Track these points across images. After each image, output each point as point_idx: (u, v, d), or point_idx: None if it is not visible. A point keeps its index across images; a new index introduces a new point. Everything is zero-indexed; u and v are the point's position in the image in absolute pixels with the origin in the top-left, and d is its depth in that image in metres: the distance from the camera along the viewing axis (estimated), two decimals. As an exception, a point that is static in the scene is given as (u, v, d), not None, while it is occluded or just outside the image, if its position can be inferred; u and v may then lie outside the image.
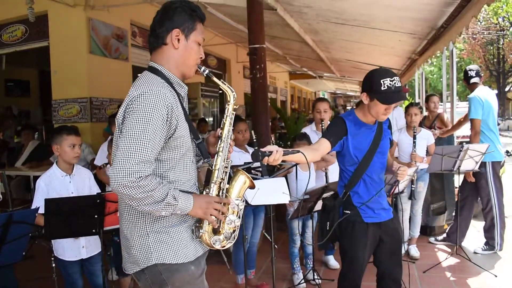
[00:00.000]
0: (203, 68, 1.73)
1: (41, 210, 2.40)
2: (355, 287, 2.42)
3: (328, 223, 2.40)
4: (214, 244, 1.67)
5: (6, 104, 9.81)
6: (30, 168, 5.56)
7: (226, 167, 1.71)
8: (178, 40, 1.64)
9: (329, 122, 3.78)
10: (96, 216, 2.52)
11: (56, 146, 2.74)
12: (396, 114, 4.70)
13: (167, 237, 1.60)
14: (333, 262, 4.09)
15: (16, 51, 6.62)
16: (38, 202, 2.54)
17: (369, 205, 2.35)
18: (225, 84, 1.76)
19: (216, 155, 1.71)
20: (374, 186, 2.37)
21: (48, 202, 2.39)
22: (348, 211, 2.36)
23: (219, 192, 1.69)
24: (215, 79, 1.76)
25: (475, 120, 4.05)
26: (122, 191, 1.44)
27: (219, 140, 1.73)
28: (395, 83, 2.16)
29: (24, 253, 2.39)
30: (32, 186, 5.20)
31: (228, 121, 1.74)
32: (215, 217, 1.63)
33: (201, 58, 1.73)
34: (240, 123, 3.61)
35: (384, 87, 2.16)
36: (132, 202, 1.49)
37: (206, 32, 8.84)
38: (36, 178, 5.00)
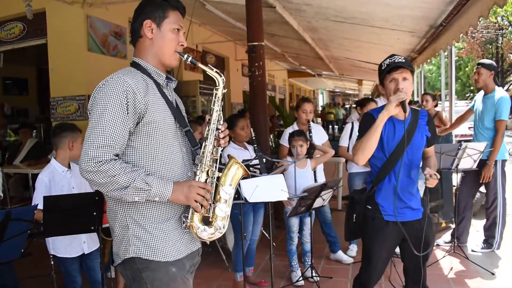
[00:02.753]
0: (186, 55, 1.71)
1: (41, 206, 2.41)
2: (368, 281, 2.44)
3: (354, 215, 2.49)
4: (201, 235, 1.64)
5: (4, 102, 9.80)
6: (29, 166, 5.56)
7: (214, 154, 1.68)
8: (151, 30, 1.67)
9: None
10: (94, 214, 2.52)
11: (72, 141, 2.80)
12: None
13: (146, 232, 1.59)
14: (346, 257, 4.13)
15: (14, 49, 6.60)
16: (39, 197, 2.54)
17: (392, 203, 2.31)
18: (212, 69, 1.72)
19: (204, 141, 1.68)
20: (400, 185, 2.32)
21: (47, 199, 2.39)
22: (369, 206, 2.41)
23: (206, 180, 1.65)
24: (200, 65, 1.73)
25: (504, 121, 3.98)
26: (85, 176, 1.47)
27: (207, 126, 1.69)
28: (394, 59, 2.26)
29: (22, 251, 2.39)
30: (30, 184, 5.20)
31: (216, 106, 1.70)
32: (199, 203, 1.59)
33: (182, 45, 1.73)
34: (242, 119, 3.65)
35: (384, 65, 2.28)
36: (98, 188, 1.51)
37: (205, 30, 8.84)
38: (34, 176, 5.01)
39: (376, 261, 2.39)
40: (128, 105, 1.52)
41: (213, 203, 1.65)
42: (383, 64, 2.29)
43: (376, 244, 2.37)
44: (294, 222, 3.70)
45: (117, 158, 1.49)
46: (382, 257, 2.39)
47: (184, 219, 1.64)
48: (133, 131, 1.56)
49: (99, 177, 1.45)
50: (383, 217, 2.34)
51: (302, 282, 3.65)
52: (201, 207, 1.61)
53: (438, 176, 2.25)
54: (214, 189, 1.66)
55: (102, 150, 1.46)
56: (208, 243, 1.77)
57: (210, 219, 1.65)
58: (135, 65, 1.69)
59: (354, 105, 14.12)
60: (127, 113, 1.52)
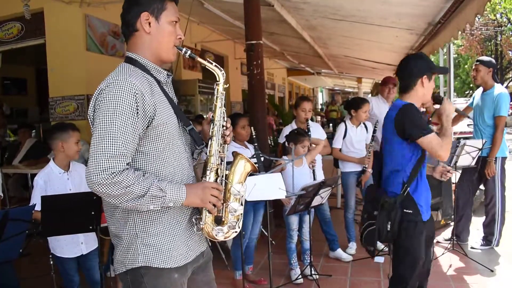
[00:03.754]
0: (184, 49, 1.63)
1: (38, 207, 2.41)
2: (411, 279, 2.34)
3: (389, 222, 2.24)
4: (216, 235, 1.59)
5: (3, 102, 9.78)
6: (28, 166, 5.56)
7: (221, 152, 1.62)
8: (149, 23, 1.56)
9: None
10: (92, 213, 2.52)
11: (61, 142, 2.76)
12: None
13: (157, 239, 1.53)
14: (346, 255, 4.14)
15: (13, 49, 6.59)
16: (36, 200, 2.55)
17: (427, 202, 2.31)
18: (211, 64, 1.66)
19: (209, 140, 1.62)
20: (426, 181, 2.32)
21: (45, 199, 2.39)
22: (409, 210, 2.25)
23: (216, 179, 1.60)
24: (199, 59, 1.65)
25: (504, 117, 3.98)
26: (97, 189, 1.36)
27: (212, 124, 1.63)
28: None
29: (21, 251, 2.40)
30: (30, 184, 5.21)
31: (219, 102, 1.64)
32: (215, 205, 1.54)
33: (180, 38, 1.63)
34: (242, 118, 3.64)
35: (430, 62, 2.32)
36: (111, 200, 1.40)
37: (203, 28, 8.82)
38: (33, 176, 5.00)
39: (420, 265, 2.32)
40: (138, 109, 1.43)
41: (224, 202, 1.60)
42: (429, 60, 2.31)
43: (422, 248, 2.29)
44: (294, 220, 3.70)
45: (129, 167, 1.41)
46: (424, 257, 2.35)
47: (195, 222, 1.59)
48: (142, 135, 1.48)
49: (113, 189, 1.35)
50: (422, 219, 2.28)
51: (301, 280, 3.65)
52: (215, 208, 1.56)
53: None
54: (223, 187, 1.61)
55: (116, 160, 1.36)
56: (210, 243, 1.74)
57: (223, 219, 1.60)
58: (130, 61, 1.58)
59: (341, 104, 13.99)
60: (137, 118, 1.43)
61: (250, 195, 2.78)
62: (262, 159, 3.25)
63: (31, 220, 2.37)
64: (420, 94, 2.30)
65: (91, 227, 2.56)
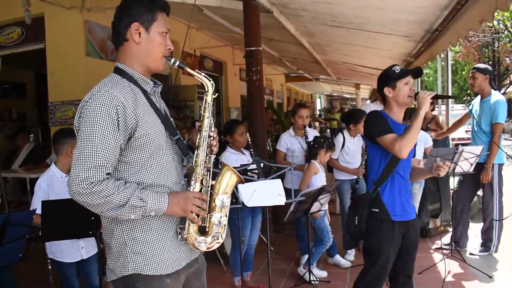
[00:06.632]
0: (173, 59, 1.64)
1: (39, 211, 2.41)
2: (375, 284, 2.45)
3: (356, 218, 2.45)
4: (199, 246, 1.60)
5: (2, 106, 9.78)
6: (27, 171, 5.56)
7: (207, 162, 1.63)
8: (139, 34, 1.58)
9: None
10: (92, 218, 2.52)
11: (71, 147, 2.78)
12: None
13: (146, 247, 1.54)
14: (344, 261, 4.15)
15: (13, 53, 6.60)
16: (38, 202, 2.55)
17: (398, 203, 2.40)
18: (200, 74, 1.67)
19: (196, 150, 1.62)
20: (403, 184, 2.42)
21: (45, 204, 2.39)
22: (376, 209, 2.40)
23: (201, 189, 1.61)
24: (188, 69, 1.67)
25: (501, 124, 4.02)
26: (77, 198, 1.40)
27: (199, 134, 1.64)
28: (402, 67, 2.46)
29: (21, 255, 2.40)
30: (28, 189, 5.20)
31: (207, 112, 1.65)
32: (196, 214, 1.55)
33: (169, 49, 1.65)
34: (241, 125, 3.66)
35: (398, 70, 2.41)
36: (92, 209, 1.44)
37: (203, 34, 8.86)
38: (32, 180, 5.01)
39: (385, 264, 2.42)
40: (119, 121, 1.45)
41: (209, 212, 1.61)
42: (396, 68, 2.42)
43: (385, 246, 2.39)
44: (327, 222, 3.79)
45: (109, 177, 1.43)
46: (391, 259, 2.43)
47: (180, 231, 1.59)
48: (124, 147, 1.49)
49: (92, 198, 1.39)
50: (391, 218, 2.38)
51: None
52: (198, 217, 1.57)
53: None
54: (208, 198, 1.61)
55: (94, 170, 1.39)
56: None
57: (207, 229, 1.61)
58: (119, 71, 1.61)
59: (339, 111, 14.08)
60: (118, 130, 1.45)
61: (250, 201, 2.78)
62: (261, 165, 3.25)
63: (32, 224, 2.38)
64: (393, 104, 2.44)
65: (90, 232, 2.57)
